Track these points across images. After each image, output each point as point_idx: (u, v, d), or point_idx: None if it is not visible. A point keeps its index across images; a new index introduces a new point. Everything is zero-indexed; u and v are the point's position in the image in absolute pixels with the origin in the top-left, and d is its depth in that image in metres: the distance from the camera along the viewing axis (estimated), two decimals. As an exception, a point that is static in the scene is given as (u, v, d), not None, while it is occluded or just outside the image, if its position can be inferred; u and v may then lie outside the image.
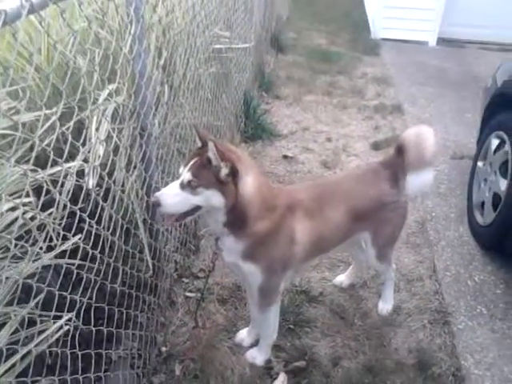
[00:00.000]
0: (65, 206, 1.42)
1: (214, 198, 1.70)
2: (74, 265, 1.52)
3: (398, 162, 2.19)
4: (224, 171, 1.67)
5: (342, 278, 2.78)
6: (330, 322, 2.53)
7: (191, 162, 1.71)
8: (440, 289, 2.80)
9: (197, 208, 1.75)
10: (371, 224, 2.23)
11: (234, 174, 1.69)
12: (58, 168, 1.37)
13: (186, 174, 1.69)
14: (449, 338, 2.48)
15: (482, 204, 3.22)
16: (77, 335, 1.59)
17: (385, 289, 2.61)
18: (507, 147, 2.99)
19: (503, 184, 2.93)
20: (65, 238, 1.49)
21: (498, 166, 3.09)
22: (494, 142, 3.24)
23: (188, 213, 1.77)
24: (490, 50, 7.60)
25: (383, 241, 2.32)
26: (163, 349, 2.29)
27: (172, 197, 1.69)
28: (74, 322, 1.54)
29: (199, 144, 1.78)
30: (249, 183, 1.74)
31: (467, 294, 2.79)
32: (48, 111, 1.27)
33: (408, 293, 2.76)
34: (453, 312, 2.65)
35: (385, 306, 2.60)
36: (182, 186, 1.69)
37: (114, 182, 1.78)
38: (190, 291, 2.63)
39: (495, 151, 3.20)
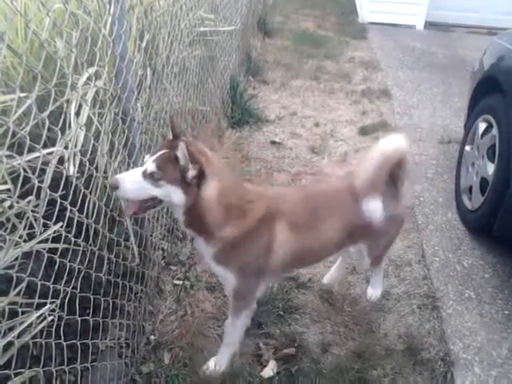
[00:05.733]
0: (45, 194, 1.37)
1: (174, 195, 1.65)
2: (55, 253, 1.47)
3: (395, 172, 2.00)
4: (191, 173, 1.62)
5: (331, 276, 2.65)
6: (319, 308, 2.52)
7: (158, 154, 1.65)
8: (429, 274, 2.80)
9: (157, 201, 1.70)
10: (368, 237, 2.15)
11: (200, 176, 1.64)
12: (37, 154, 1.32)
13: (150, 165, 1.63)
14: (437, 323, 2.48)
15: (470, 188, 3.22)
16: (62, 325, 1.55)
17: (374, 275, 2.58)
18: (494, 131, 2.98)
19: (491, 168, 2.93)
20: (46, 227, 1.44)
21: (485, 149, 3.08)
22: (482, 126, 3.23)
23: (148, 205, 1.72)
24: (477, 33, 7.58)
25: (380, 250, 2.31)
26: (152, 337, 2.26)
27: (131, 183, 1.63)
28: (58, 312, 1.49)
29: (170, 136, 1.72)
30: (211, 188, 1.68)
31: (456, 279, 2.80)
32: (22, 94, 1.21)
33: (397, 278, 2.76)
34: (441, 297, 2.65)
35: (374, 292, 2.58)
36: (144, 176, 1.63)
37: (97, 168, 1.73)
38: (178, 279, 2.59)
39: (482, 135, 3.20)
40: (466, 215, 3.22)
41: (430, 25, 7.91)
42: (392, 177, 1.99)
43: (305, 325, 2.43)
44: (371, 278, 2.62)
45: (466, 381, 2.22)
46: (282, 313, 2.45)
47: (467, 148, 3.44)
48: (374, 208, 1.90)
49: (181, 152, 1.59)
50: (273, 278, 2.09)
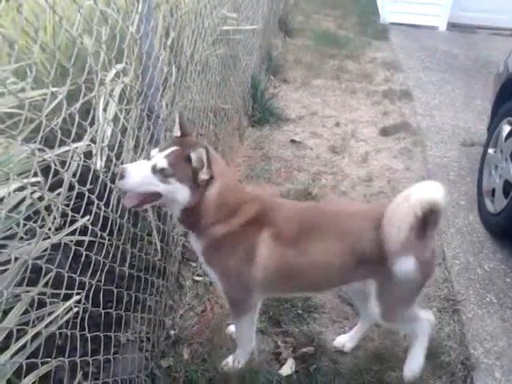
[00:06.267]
0: (73, 187, 1.40)
1: (180, 193, 1.64)
2: (82, 246, 1.50)
3: (426, 216, 1.71)
4: (204, 176, 1.63)
5: (345, 339, 2.31)
6: (338, 308, 2.51)
7: (170, 150, 1.64)
8: (449, 277, 2.77)
9: (156, 196, 1.68)
10: (378, 274, 1.81)
11: (209, 180, 1.66)
12: (66, 148, 1.34)
13: (161, 160, 1.61)
14: (458, 327, 2.46)
15: (493, 191, 3.18)
16: (86, 317, 1.58)
17: (414, 344, 2.09)
18: (519, 134, 2.94)
19: (515, 171, 2.89)
20: (73, 221, 1.47)
21: (509, 152, 3.04)
22: (506, 129, 3.19)
23: (149, 200, 1.70)
24: (501, 35, 7.48)
25: (393, 299, 1.87)
26: (172, 332, 2.28)
27: (139, 176, 1.59)
28: (84, 303, 1.52)
29: (178, 133, 1.72)
30: (214, 190, 1.68)
31: (477, 283, 2.77)
32: (54, 89, 1.23)
33: (417, 279, 2.73)
34: (462, 300, 2.62)
35: (411, 368, 2.08)
36: (154, 171, 1.61)
37: (122, 163, 1.75)
38: (198, 275, 2.61)
39: (506, 138, 3.15)
40: (488, 218, 3.18)
41: (452, 26, 7.82)
42: (421, 221, 1.70)
43: (324, 324, 2.42)
44: (410, 348, 2.12)
45: (486, 386, 2.20)
46: (300, 312, 2.45)
47: (490, 151, 3.40)
48: (409, 267, 1.70)
49: (198, 156, 1.59)
50: (262, 291, 1.96)
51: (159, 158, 1.63)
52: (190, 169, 1.62)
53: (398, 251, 1.66)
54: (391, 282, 1.77)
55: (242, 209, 1.77)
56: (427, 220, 1.70)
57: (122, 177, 1.58)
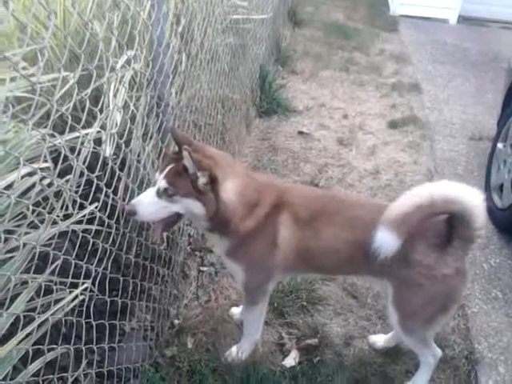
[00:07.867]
0: (81, 174, 1.39)
1: (193, 207, 1.64)
2: (90, 233, 1.49)
3: (454, 223, 1.68)
4: (202, 180, 1.59)
5: (378, 339, 2.30)
6: (343, 300, 2.51)
7: (166, 169, 1.62)
8: (455, 271, 2.76)
9: (179, 215, 1.69)
10: (390, 275, 1.79)
11: (212, 181, 1.62)
12: (76, 134, 1.33)
13: (161, 182, 1.61)
14: (463, 321, 2.45)
15: (501, 186, 3.16)
16: (92, 305, 1.58)
17: (418, 373, 2.09)
18: (530, 129, 2.91)
19: (524, 166, 2.86)
20: (81, 207, 1.46)
21: (519, 147, 3.02)
22: (516, 123, 3.15)
23: (172, 221, 1.72)
24: (511, 29, 7.39)
25: (408, 308, 1.82)
26: (176, 322, 2.28)
27: (148, 205, 1.61)
28: (91, 291, 1.52)
29: (176, 149, 1.68)
30: (229, 189, 1.66)
31: (482, 278, 2.76)
32: (66, 73, 1.22)
33: (423, 274, 2.72)
34: (467, 295, 2.61)
35: None
36: (159, 194, 1.61)
37: (131, 151, 1.74)
38: (204, 265, 2.61)
39: (517, 133, 3.12)
40: (495, 213, 3.16)
41: (463, 19, 7.74)
42: (451, 228, 1.69)
43: (328, 316, 2.42)
44: (415, 376, 2.11)
45: (490, 380, 2.19)
46: (305, 303, 2.45)
47: (499, 145, 3.37)
48: (383, 239, 1.59)
49: (186, 160, 1.55)
50: (281, 273, 2.00)
51: (160, 179, 1.62)
52: (189, 180, 1.60)
53: (383, 222, 1.59)
54: (408, 290, 1.77)
55: (262, 197, 1.77)
56: (454, 226, 1.66)
57: (134, 213, 1.60)
